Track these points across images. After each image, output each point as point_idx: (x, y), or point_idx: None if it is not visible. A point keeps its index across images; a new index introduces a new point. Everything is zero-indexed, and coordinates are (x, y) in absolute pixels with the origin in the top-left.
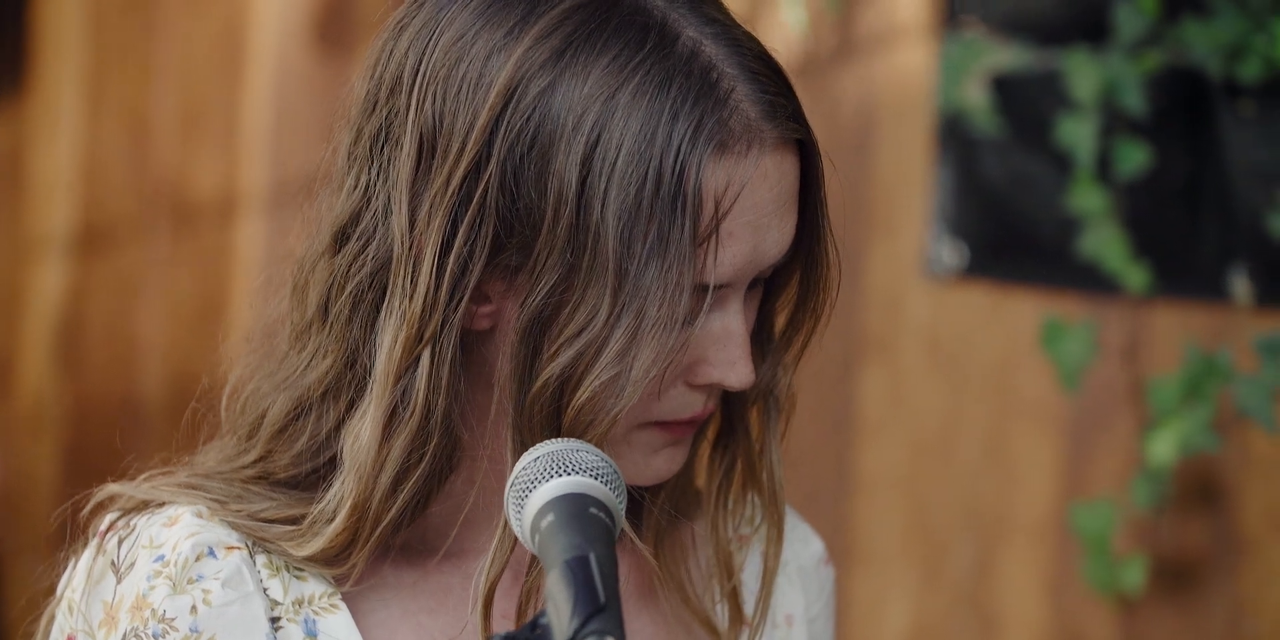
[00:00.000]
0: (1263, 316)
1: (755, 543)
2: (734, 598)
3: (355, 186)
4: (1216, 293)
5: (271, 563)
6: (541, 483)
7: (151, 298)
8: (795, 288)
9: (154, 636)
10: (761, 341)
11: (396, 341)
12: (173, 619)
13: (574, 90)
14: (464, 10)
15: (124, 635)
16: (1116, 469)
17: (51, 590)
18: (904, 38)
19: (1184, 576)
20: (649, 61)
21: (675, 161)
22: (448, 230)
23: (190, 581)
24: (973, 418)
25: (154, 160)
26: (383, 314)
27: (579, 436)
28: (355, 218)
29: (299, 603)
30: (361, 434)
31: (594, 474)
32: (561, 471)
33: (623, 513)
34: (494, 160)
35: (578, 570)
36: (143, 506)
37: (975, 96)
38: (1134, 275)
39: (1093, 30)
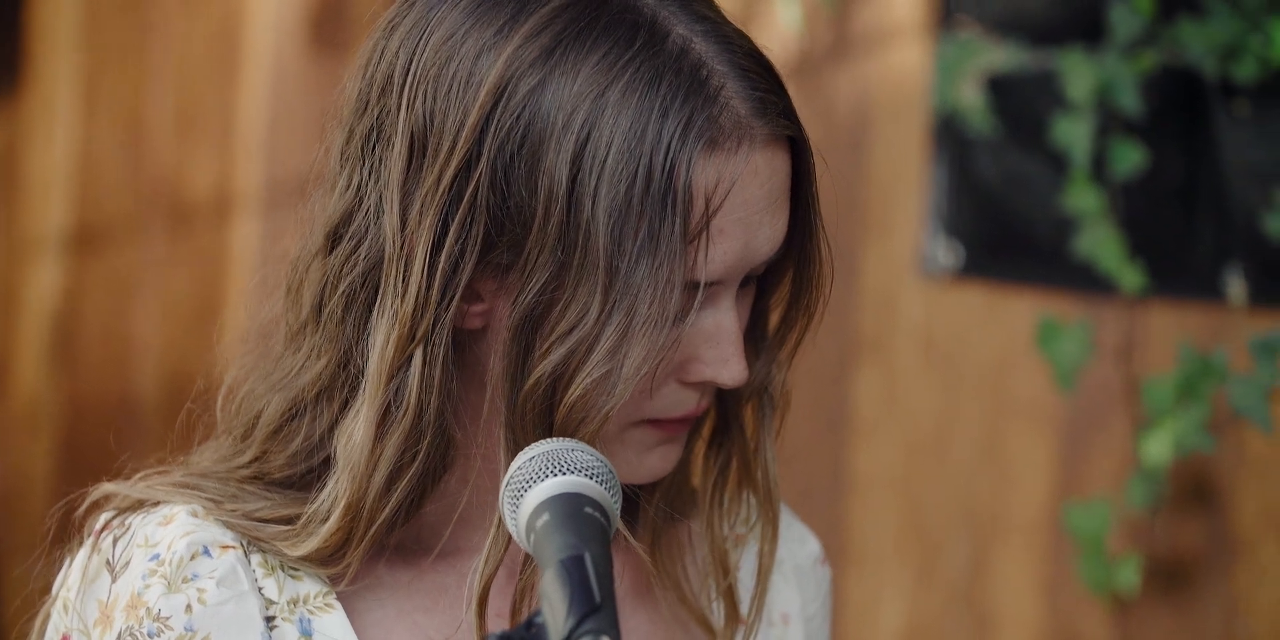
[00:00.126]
0: (1258, 316)
1: (751, 541)
2: (730, 596)
3: (348, 186)
4: (1212, 293)
5: (266, 562)
6: (537, 482)
7: (147, 297)
8: (788, 285)
9: (149, 635)
10: (755, 339)
11: (389, 341)
12: (168, 618)
13: (564, 88)
14: (454, 9)
15: (119, 634)
16: (1111, 469)
17: (47, 589)
18: (899, 37)
19: (1179, 576)
20: (639, 59)
21: (665, 159)
22: (439, 229)
23: (185, 580)
24: (967, 417)
25: (149, 160)
26: (375, 313)
27: (571, 434)
28: (348, 218)
29: (294, 602)
30: (355, 434)
31: (589, 473)
32: (557, 471)
33: (618, 512)
34: (484, 159)
35: (573, 570)
36: (138, 506)
37: (970, 96)
38: (1129, 275)
39: (1088, 30)
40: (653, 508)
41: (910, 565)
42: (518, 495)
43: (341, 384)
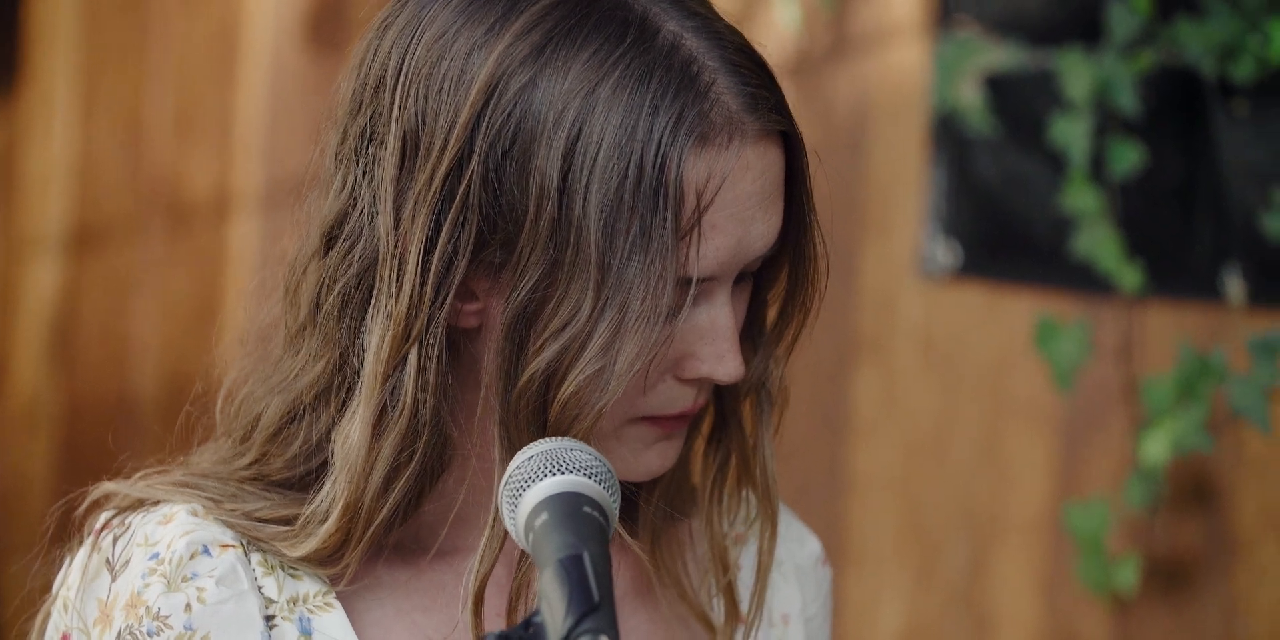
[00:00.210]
0: (1256, 316)
1: (751, 539)
2: (729, 593)
3: (342, 187)
4: (1210, 293)
5: (266, 561)
6: (535, 482)
7: (146, 297)
8: (785, 281)
9: (148, 634)
10: (753, 335)
11: (384, 341)
12: (167, 617)
13: (554, 86)
14: (445, 8)
15: (118, 633)
16: (1110, 469)
17: (46, 589)
18: (898, 37)
19: (1178, 576)
20: (629, 56)
21: (656, 155)
22: (431, 228)
23: (185, 579)
24: (966, 417)
25: (148, 159)
26: (370, 314)
27: (565, 431)
28: (342, 218)
29: (294, 601)
30: (351, 434)
31: (588, 473)
32: (555, 470)
33: (616, 512)
34: (476, 157)
35: (571, 569)
36: (138, 505)
37: (969, 96)
38: (1128, 275)
39: (1086, 30)
40: (653, 506)
41: (909, 565)
42: (516, 494)
43: (339, 386)
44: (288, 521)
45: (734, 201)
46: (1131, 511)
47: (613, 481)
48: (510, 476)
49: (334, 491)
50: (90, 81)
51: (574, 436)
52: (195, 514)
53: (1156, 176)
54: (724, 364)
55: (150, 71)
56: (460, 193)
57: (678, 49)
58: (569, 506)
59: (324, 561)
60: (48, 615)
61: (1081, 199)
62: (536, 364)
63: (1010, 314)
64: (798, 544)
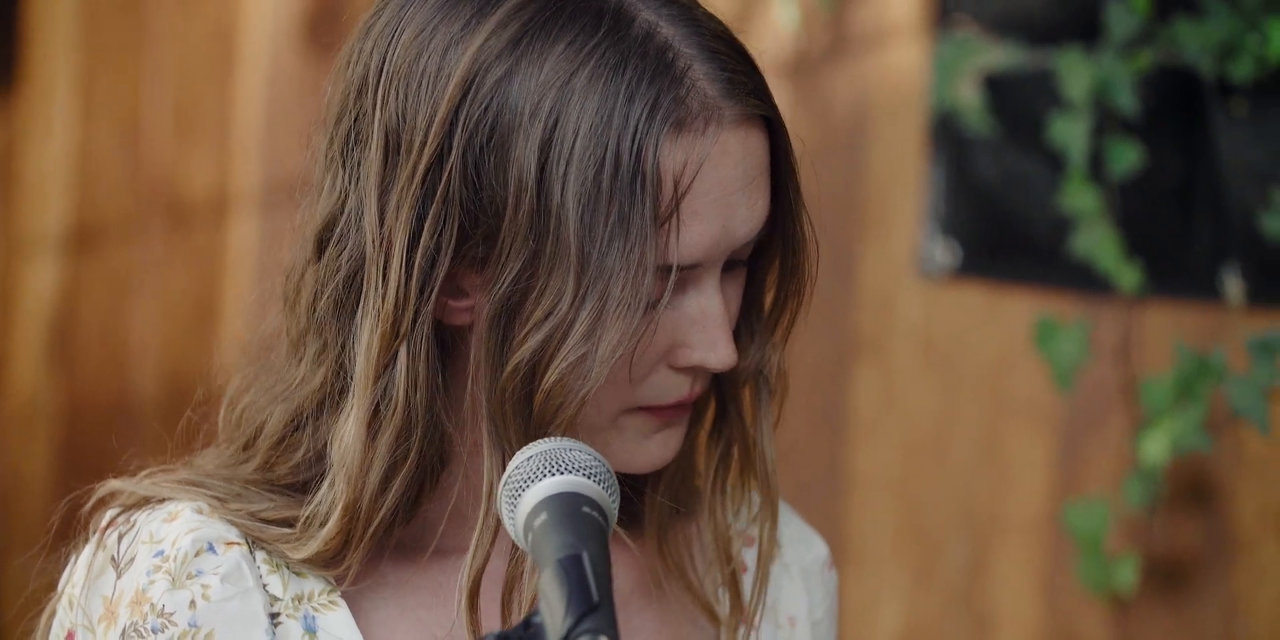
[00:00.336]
0: (1255, 316)
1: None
2: (733, 584)
3: (332, 190)
4: (1209, 292)
5: (271, 559)
6: (534, 482)
7: (145, 297)
8: (777, 268)
9: (153, 631)
10: (751, 323)
11: (373, 339)
12: (171, 613)
13: (530, 78)
14: (424, 7)
15: (123, 630)
16: (1109, 468)
17: (50, 587)
18: (896, 37)
19: (1177, 576)
20: (604, 45)
21: (632, 142)
22: (414, 224)
23: (189, 576)
24: (966, 417)
25: (147, 159)
26: (359, 314)
27: (550, 421)
28: (332, 222)
29: (298, 599)
30: (346, 435)
31: (587, 473)
32: (554, 470)
33: (616, 512)
34: (454, 151)
35: (571, 569)
36: (143, 502)
37: (968, 96)
38: (1127, 275)
39: (1085, 30)
40: (658, 500)
41: (909, 565)
42: (515, 494)
43: (339, 391)
44: (290, 523)
45: (715, 187)
46: (1131, 511)
47: (612, 481)
48: (509, 477)
49: (333, 493)
50: (89, 82)
51: (559, 425)
52: (200, 512)
53: (1155, 176)
54: (716, 351)
55: (149, 71)
56: (441, 188)
57: (653, 37)
58: (568, 506)
59: (327, 563)
60: (52, 613)
61: (1080, 199)
62: (520, 354)
63: (1009, 314)
64: (805, 547)
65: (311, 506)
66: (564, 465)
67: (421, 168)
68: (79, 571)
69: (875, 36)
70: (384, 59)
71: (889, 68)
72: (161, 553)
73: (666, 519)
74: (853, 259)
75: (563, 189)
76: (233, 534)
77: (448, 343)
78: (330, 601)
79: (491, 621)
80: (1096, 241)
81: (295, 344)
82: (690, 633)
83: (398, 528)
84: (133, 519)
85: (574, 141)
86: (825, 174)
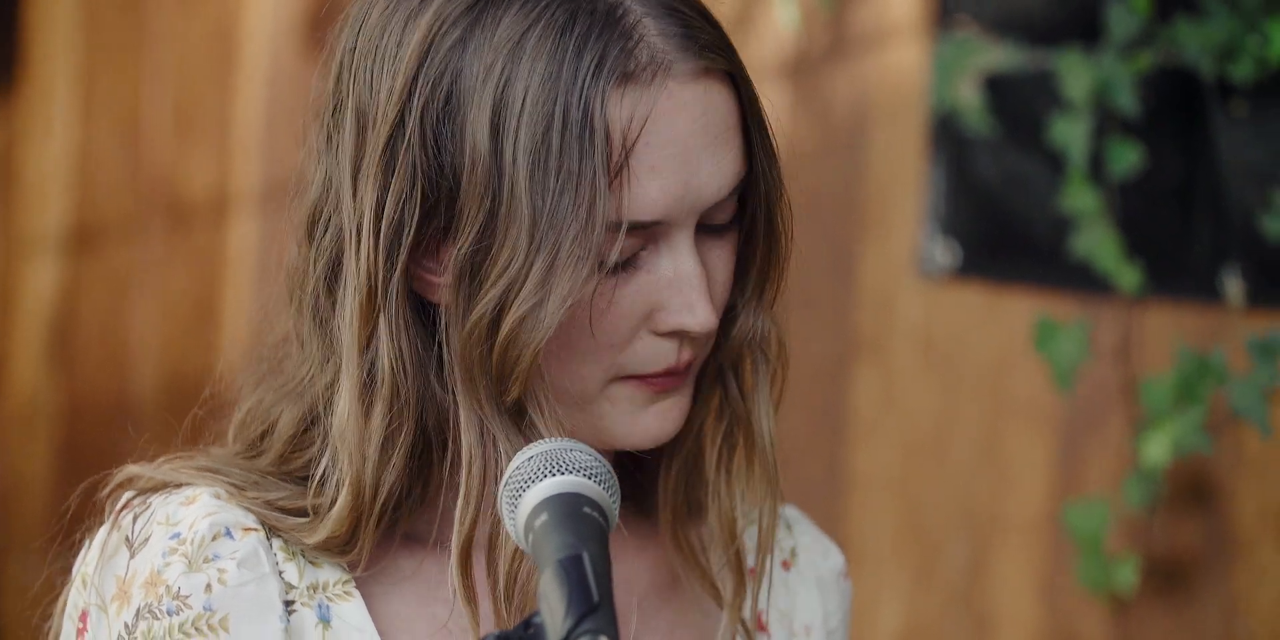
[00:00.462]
0: (1255, 317)
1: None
2: (737, 564)
3: (319, 180)
4: (1209, 293)
5: (287, 547)
6: (535, 482)
7: (144, 297)
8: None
9: (168, 613)
10: (744, 292)
11: (353, 314)
12: (187, 596)
13: (485, 42)
14: None
15: (137, 610)
16: (1109, 469)
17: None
18: (897, 37)
19: (1177, 576)
20: (555, 4)
21: (580, 96)
22: (379, 194)
23: (206, 560)
24: (966, 417)
25: (147, 159)
26: (341, 291)
27: (509, 376)
28: (318, 208)
29: (314, 588)
30: (341, 411)
31: (587, 473)
32: (555, 471)
33: (616, 512)
34: (413, 118)
35: (571, 569)
36: (160, 487)
37: (968, 96)
38: (1127, 275)
39: (1085, 30)
40: (670, 487)
41: (909, 565)
42: (516, 495)
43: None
44: (305, 512)
45: (673, 142)
46: (1131, 511)
47: (613, 482)
48: (510, 477)
49: (339, 474)
50: (89, 81)
51: (518, 380)
52: (218, 497)
53: (1155, 177)
54: (694, 313)
55: (149, 71)
56: (401, 155)
57: None
58: (568, 507)
59: (340, 548)
60: (66, 598)
61: (1081, 199)
62: (479, 310)
63: (1009, 314)
64: (821, 557)
65: (325, 489)
66: (564, 466)
67: (384, 138)
68: (93, 551)
69: (875, 37)
70: (355, 43)
71: (889, 68)
72: (178, 535)
73: (681, 509)
74: (853, 259)
75: (514, 147)
76: (250, 520)
77: (437, 318)
78: (345, 592)
79: (489, 624)
80: (1096, 242)
81: (302, 341)
82: (708, 628)
83: (409, 512)
84: (148, 501)
85: (523, 100)
86: (825, 174)
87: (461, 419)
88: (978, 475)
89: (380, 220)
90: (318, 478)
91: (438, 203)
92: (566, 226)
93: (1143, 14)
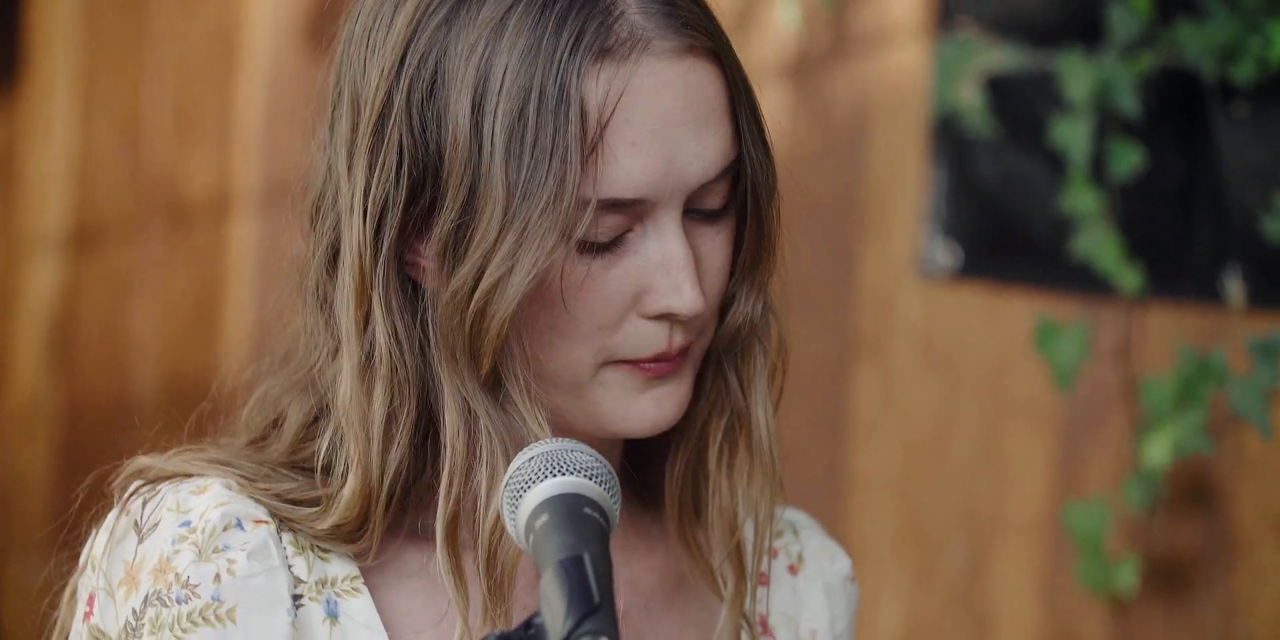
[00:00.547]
0: (1256, 318)
1: (781, 552)
2: (737, 557)
3: (322, 169)
4: (1210, 294)
5: (297, 541)
6: (536, 483)
7: (145, 297)
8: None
9: (177, 601)
10: (739, 279)
11: (349, 295)
12: (196, 585)
13: (469, 21)
14: None
15: (145, 597)
16: (1110, 469)
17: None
18: (898, 38)
19: (1177, 577)
20: None
21: (556, 71)
22: (368, 174)
23: (216, 550)
24: (966, 418)
25: (147, 159)
26: (339, 273)
27: (481, 349)
28: (322, 195)
29: (322, 583)
30: (344, 393)
31: (588, 474)
32: (556, 472)
33: (617, 513)
34: (399, 98)
35: (572, 570)
36: (170, 478)
37: (969, 97)
38: (1128, 276)
39: (1086, 31)
40: (675, 479)
41: (909, 566)
42: (517, 496)
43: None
44: (316, 503)
45: (654, 119)
46: (1131, 512)
47: (613, 483)
48: (511, 477)
49: (348, 457)
50: (89, 81)
51: (487, 353)
52: (229, 488)
53: (1156, 178)
54: (681, 295)
55: (149, 71)
56: (389, 136)
57: None
58: (569, 508)
59: (350, 536)
60: (75, 586)
61: (1081, 200)
62: (455, 284)
63: (1010, 315)
64: (829, 561)
65: (334, 481)
66: (565, 466)
67: (374, 119)
68: (101, 536)
69: (876, 37)
70: (352, 32)
71: (890, 68)
72: (189, 523)
73: (689, 508)
74: (853, 259)
75: (493, 123)
76: (261, 513)
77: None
78: (353, 588)
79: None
80: (1097, 243)
81: (308, 330)
82: (715, 628)
83: (418, 501)
84: (158, 487)
85: (503, 76)
86: (826, 174)
87: (445, 395)
88: (978, 476)
89: (368, 200)
90: (328, 465)
91: (424, 181)
92: (537, 199)
93: (1144, 15)
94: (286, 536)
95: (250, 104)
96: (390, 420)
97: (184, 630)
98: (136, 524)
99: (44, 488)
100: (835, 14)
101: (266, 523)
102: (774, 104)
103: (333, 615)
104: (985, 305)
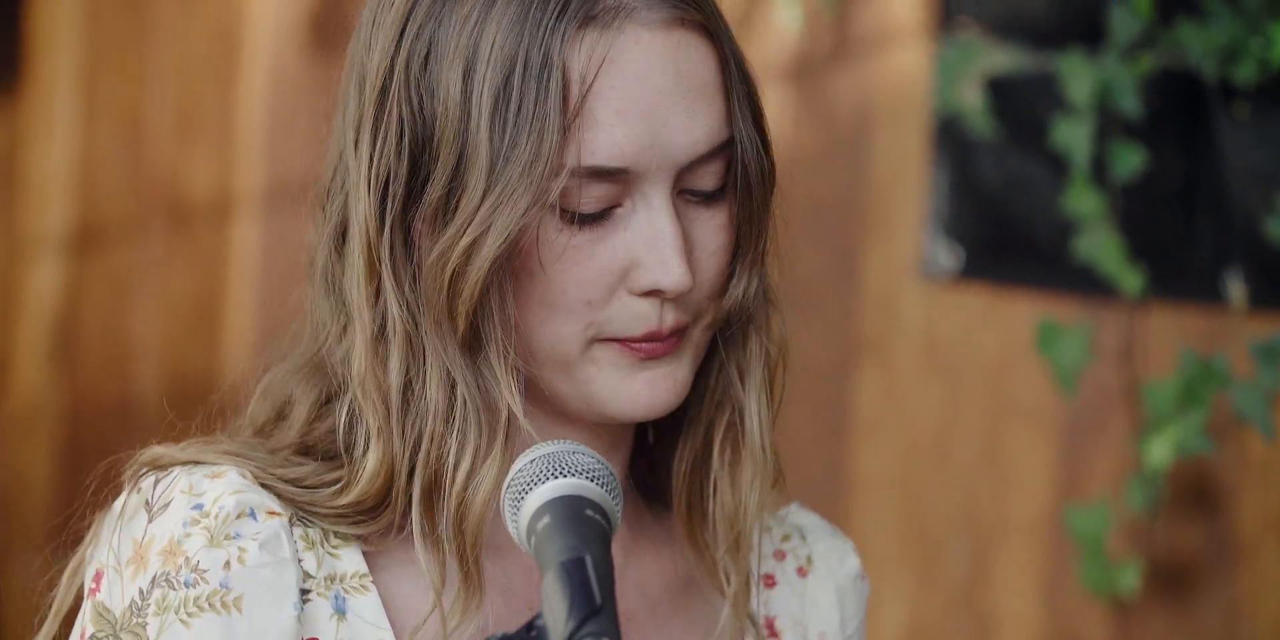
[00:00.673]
0: (1258, 320)
1: (789, 557)
2: (735, 553)
3: (333, 152)
4: (1212, 296)
5: (308, 536)
6: (538, 484)
7: (147, 297)
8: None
9: (185, 585)
10: (735, 263)
11: (358, 270)
12: (205, 571)
13: None
14: None
15: (154, 578)
16: (1112, 471)
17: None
18: (900, 39)
19: (1179, 579)
20: None
21: (542, 38)
22: (370, 148)
23: (228, 537)
24: (968, 419)
25: (149, 160)
26: (347, 250)
27: (456, 310)
28: (334, 177)
29: (331, 579)
30: (359, 367)
31: (590, 476)
32: (558, 473)
33: (619, 515)
34: (398, 72)
35: (574, 572)
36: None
37: (971, 98)
38: (1130, 278)
39: (1088, 32)
40: (683, 480)
41: (910, 567)
42: (519, 497)
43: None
44: (332, 484)
45: (641, 89)
46: (1133, 514)
47: (615, 485)
48: (513, 479)
49: (366, 431)
50: (91, 82)
51: (464, 315)
52: (244, 477)
53: (1158, 179)
54: (668, 271)
55: (151, 72)
56: (390, 109)
57: None
58: (571, 509)
59: (370, 512)
60: (83, 561)
61: (1083, 202)
62: (440, 245)
63: (1012, 316)
64: (839, 562)
65: (351, 460)
66: (567, 468)
67: (375, 94)
68: (111, 513)
69: (878, 39)
70: (362, 17)
71: (892, 70)
72: (201, 507)
73: (696, 507)
74: (855, 261)
75: (481, 91)
76: (275, 505)
77: None
78: (362, 586)
79: (499, 622)
80: (1099, 244)
81: (317, 313)
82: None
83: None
84: (170, 469)
85: (491, 46)
86: (828, 176)
87: (428, 362)
88: (980, 477)
89: (372, 172)
90: (343, 448)
91: (421, 153)
92: (517, 164)
93: (1145, 16)
94: (298, 530)
95: (252, 104)
96: (407, 387)
97: (189, 614)
98: (147, 502)
99: (45, 488)
100: (837, 15)
101: (279, 515)
102: (776, 106)
103: (340, 612)
104: (987, 306)
